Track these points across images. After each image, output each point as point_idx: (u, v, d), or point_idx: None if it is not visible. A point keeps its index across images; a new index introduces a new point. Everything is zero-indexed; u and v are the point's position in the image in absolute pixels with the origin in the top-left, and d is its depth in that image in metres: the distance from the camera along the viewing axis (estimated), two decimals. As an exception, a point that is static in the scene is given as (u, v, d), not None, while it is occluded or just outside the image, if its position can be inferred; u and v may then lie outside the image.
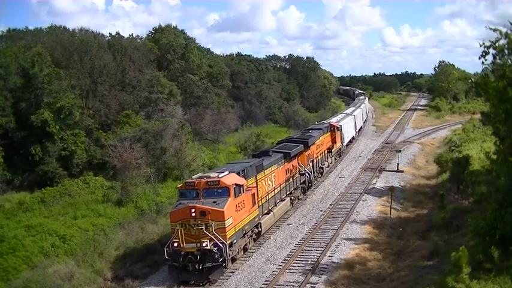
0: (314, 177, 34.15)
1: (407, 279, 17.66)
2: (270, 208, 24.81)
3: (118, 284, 20.64)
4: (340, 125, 45.56)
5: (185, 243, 18.43)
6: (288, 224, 26.17)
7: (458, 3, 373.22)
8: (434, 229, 22.98)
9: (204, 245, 18.30)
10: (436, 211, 25.28)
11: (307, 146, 31.74)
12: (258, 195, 22.59)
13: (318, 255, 20.94)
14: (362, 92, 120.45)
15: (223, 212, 18.53)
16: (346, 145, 49.34)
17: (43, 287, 19.74)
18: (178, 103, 46.62)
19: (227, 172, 20.46)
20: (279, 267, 20.05)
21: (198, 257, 18.35)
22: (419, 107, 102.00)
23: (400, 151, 42.64)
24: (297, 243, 22.91)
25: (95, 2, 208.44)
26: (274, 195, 25.47)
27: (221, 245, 18.30)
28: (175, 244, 18.57)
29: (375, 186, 33.70)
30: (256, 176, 22.96)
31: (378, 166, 40.27)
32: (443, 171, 33.92)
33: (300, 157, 30.89)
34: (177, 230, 18.41)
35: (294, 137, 34.92)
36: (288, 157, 27.88)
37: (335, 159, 43.01)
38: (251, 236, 22.36)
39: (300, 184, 30.93)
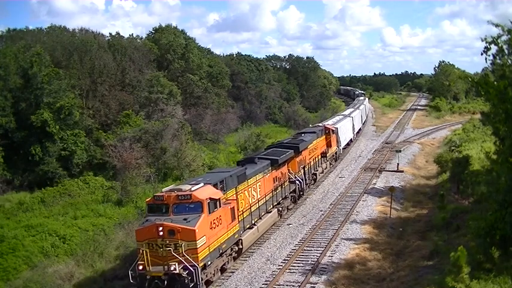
0: (306, 184, 31.87)
1: (407, 279, 17.65)
2: (253, 222, 22.39)
3: (118, 284, 20.62)
4: (336, 128, 43.49)
5: (151, 266, 16.33)
6: (288, 224, 26.15)
7: (458, 3, 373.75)
8: (434, 229, 22.98)
9: (172, 268, 16.19)
10: (436, 211, 25.29)
11: (298, 152, 29.55)
12: (238, 209, 20.47)
13: (318, 255, 20.93)
14: (362, 92, 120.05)
15: (194, 230, 16.33)
16: (343, 148, 47.31)
17: (43, 287, 19.76)
18: (178, 103, 46.66)
19: (202, 184, 18.32)
20: (279, 267, 20.03)
21: (166, 282, 16.28)
22: (419, 107, 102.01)
23: (400, 151, 42.61)
24: (297, 243, 22.89)
25: (94, 2, 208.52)
26: (259, 207, 23.11)
27: (192, 269, 16.17)
28: (141, 267, 16.50)
29: (375, 186, 33.68)
30: (236, 188, 20.74)
31: (378, 166, 40.25)
32: (443, 171, 33.92)
33: (291, 163, 28.82)
34: (142, 251, 16.32)
35: (284, 141, 32.49)
36: (275, 164, 25.57)
37: (330, 164, 40.48)
38: (230, 254, 20.06)
39: (290, 193, 28.49)
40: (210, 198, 17.59)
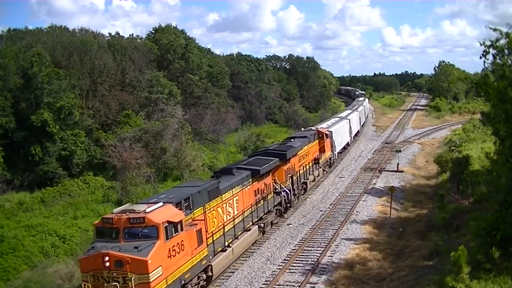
0: (295, 195, 29.07)
1: (407, 279, 17.65)
2: (227, 243, 19.50)
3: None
4: (331, 131, 40.78)
5: None
6: (288, 224, 26.15)
7: (458, 3, 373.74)
8: (434, 229, 22.98)
9: None
10: (436, 211, 25.29)
11: (285, 159, 26.90)
12: (208, 230, 17.99)
13: (318, 255, 20.92)
14: (363, 92, 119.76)
15: (146, 261, 13.77)
16: (339, 152, 44.77)
17: (43, 287, 19.76)
18: (178, 103, 46.70)
19: (161, 204, 15.68)
20: (279, 267, 20.03)
21: None
22: (419, 107, 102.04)
23: (400, 151, 42.60)
24: (297, 243, 22.88)
25: (94, 1, 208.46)
26: (235, 225, 20.35)
27: None
28: None
29: (375, 186, 33.67)
30: (204, 206, 18.03)
31: (378, 166, 40.24)
32: (443, 171, 33.91)
33: (277, 172, 26.32)
34: (85, 285, 13.92)
35: (270, 148, 29.19)
36: (257, 175, 22.95)
37: (324, 171, 37.54)
38: (197, 283, 17.13)
39: (275, 206, 25.59)
40: (168, 222, 14.87)
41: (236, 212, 20.83)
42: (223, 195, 19.64)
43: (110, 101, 43.49)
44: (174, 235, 15.14)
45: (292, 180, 28.31)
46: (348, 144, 50.31)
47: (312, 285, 18.05)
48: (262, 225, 23.56)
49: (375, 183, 34.36)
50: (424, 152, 48.16)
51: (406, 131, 64.69)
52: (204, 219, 17.68)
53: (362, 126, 65.88)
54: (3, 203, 31.27)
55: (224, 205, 19.73)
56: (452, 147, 39.57)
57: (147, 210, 14.94)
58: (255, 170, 22.88)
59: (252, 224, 22.21)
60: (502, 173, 16.12)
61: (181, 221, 15.62)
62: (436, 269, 17.37)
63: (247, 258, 21.30)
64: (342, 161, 44.07)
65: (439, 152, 42.23)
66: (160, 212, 15.07)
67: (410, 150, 48.19)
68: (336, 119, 51.78)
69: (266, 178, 24.46)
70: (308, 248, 22.10)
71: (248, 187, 22.23)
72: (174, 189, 19.13)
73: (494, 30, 16.22)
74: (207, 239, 17.51)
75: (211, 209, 18.59)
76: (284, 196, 26.55)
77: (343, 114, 57.20)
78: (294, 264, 20.22)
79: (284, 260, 20.86)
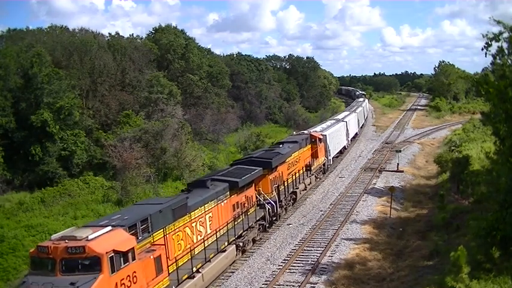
0: (282, 206, 26.60)
1: (407, 279, 17.66)
2: (196, 269, 16.87)
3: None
4: (325, 135, 38.32)
5: None
6: (288, 224, 26.16)
7: (458, 3, 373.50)
8: (434, 229, 22.99)
9: None
10: (436, 211, 25.29)
11: (270, 168, 24.60)
12: (171, 255, 15.56)
13: (318, 255, 20.94)
14: (363, 93, 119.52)
15: None
16: (335, 157, 42.88)
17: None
18: (178, 103, 46.70)
19: (109, 228, 13.17)
20: (279, 267, 20.04)
21: None
22: (419, 107, 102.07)
23: (400, 151, 42.63)
24: (297, 243, 22.90)
25: (94, 1, 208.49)
26: (206, 247, 17.65)
27: None
28: None
29: (375, 186, 33.69)
30: (166, 228, 15.38)
31: (378, 166, 40.26)
32: (443, 171, 33.92)
33: (261, 182, 24.16)
34: None
35: (255, 155, 26.35)
36: (235, 188, 20.52)
37: (316, 178, 35.07)
38: None
39: (257, 221, 23.02)
40: (115, 251, 12.49)
41: (209, 231, 18.42)
42: (192, 213, 17.20)
43: (110, 101, 43.50)
44: (122, 266, 12.75)
45: (278, 190, 25.80)
46: (344, 148, 48.08)
47: (312, 285, 18.06)
48: (241, 244, 20.92)
49: (375, 183, 34.37)
50: (424, 152, 48.18)
51: (406, 131, 64.72)
52: (165, 244, 15.18)
53: (361, 128, 64.22)
54: (3, 203, 31.27)
55: (194, 224, 17.31)
56: (452, 147, 39.58)
57: (90, 237, 12.45)
58: (233, 182, 20.34)
59: (229, 244, 19.61)
60: (502, 173, 16.12)
61: (132, 248, 13.15)
62: (436, 269, 17.38)
63: (247, 258, 21.31)
64: (342, 161, 44.08)
65: (439, 152, 42.25)
66: (106, 240, 12.60)
67: (410, 150, 48.22)
68: (332, 121, 49.49)
69: (248, 190, 22.08)
70: (308, 248, 22.11)
71: (225, 201, 19.85)
72: (133, 208, 16.75)
73: (498, 22, 16.18)
74: (168, 266, 15.11)
75: (177, 229, 16.12)
76: (269, 209, 24.15)
77: (339, 116, 54.92)
78: (294, 264, 20.23)
79: (284, 260, 20.87)
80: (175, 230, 15.99)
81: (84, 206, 30.26)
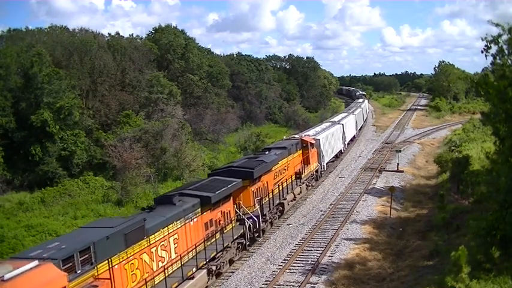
0: (266, 221, 24.07)
1: (407, 279, 17.65)
2: None
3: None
4: (318, 139, 35.73)
5: None
6: (288, 224, 26.16)
7: (458, 3, 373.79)
8: (434, 229, 22.98)
9: None
10: (436, 211, 25.28)
11: (252, 179, 22.16)
12: None
13: (318, 255, 20.93)
14: (363, 93, 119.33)
15: None
16: (330, 162, 40.69)
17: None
18: (178, 103, 46.73)
19: (35, 263, 10.42)
20: (279, 267, 20.03)
21: None
22: (419, 107, 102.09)
23: (400, 151, 42.60)
24: (297, 243, 22.89)
25: (94, 1, 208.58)
26: (167, 276, 15.07)
27: None
28: None
29: (375, 186, 33.68)
30: (110, 260, 12.84)
31: (378, 166, 40.24)
32: (443, 171, 33.92)
33: (242, 194, 21.70)
34: None
35: (235, 164, 23.53)
36: (208, 203, 17.98)
37: (307, 186, 32.41)
38: None
39: (236, 239, 20.37)
40: None
41: (174, 256, 15.83)
42: (152, 236, 14.73)
43: (110, 101, 43.53)
44: None
45: (261, 203, 23.14)
46: (340, 152, 45.65)
47: (312, 285, 18.06)
48: (214, 267, 18.30)
49: (375, 183, 34.36)
50: (424, 152, 48.18)
51: (406, 131, 64.72)
52: (110, 278, 12.78)
53: (360, 130, 62.23)
54: (3, 203, 31.29)
55: (154, 249, 14.82)
56: (452, 147, 39.59)
57: (6, 276, 9.74)
58: (205, 198, 17.81)
59: (199, 269, 16.93)
60: (502, 173, 16.10)
61: None
62: (436, 269, 17.37)
63: (247, 258, 21.31)
64: (341, 161, 44.08)
65: (439, 152, 42.25)
66: (26, 280, 9.96)
67: (410, 150, 48.22)
68: (328, 123, 46.70)
69: (224, 204, 19.54)
70: (308, 248, 22.10)
71: (195, 220, 17.32)
72: (77, 233, 13.92)
73: (497, 25, 16.18)
74: None
75: (131, 257, 13.69)
76: (250, 225, 21.66)
77: (335, 119, 51.69)
78: (294, 264, 20.23)
79: (284, 260, 20.86)
80: (128, 258, 13.58)
81: (84, 206, 30.28)
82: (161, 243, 15.26)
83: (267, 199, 24.26)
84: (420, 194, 31.65)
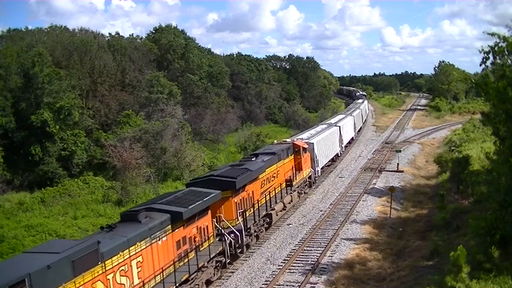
0: (251, 235, 22.09)
1: (407, 279, 17.66)
2: None
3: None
4: (312, 143, 33.60)
5: None
6: (288, 224, 26.16)
7: (458, 3, 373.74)
8: (434, 229, 22.98)
9: None
10: (436, 211, 25.28)
11: (235, 190, 20.22)
12: None
13: (318, 255, 20.93)
14: (364, 94, 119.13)
15: None
16: (326, 166, 38.77)
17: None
18: (178, 103, 46.72)
19: None
20: (279, 267, 20.03)
21: None
22: (419, 107, 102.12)
23: (400, 151, 42.60)
24: (297, 243, 22.89)
25: (93, 1, 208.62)
26: None
27: None
28: None
29: (375, 186, 33.69)
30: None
31: (378, 166, 40.25)
32: (443, 171, 33.92)
33: (224, 206, 19.92)
34: None
35: (216, 173, 21.43)
36: (180, 219, 15.88)
37: (299, 194, 30.44)
38: None
39: (213, 258, 18.16)
40: None
41: (137, 282, 13.92)
42: (108, 261, 12.83)
43: (110, 101, 43.54)
44: None
45: (244, 216, 21.03)
46: (337, 155, 43.50)
47: (312, 285, 18.06)
48: None
49: (375, 183, 34.37)
50: (424, 152, 48.18)
51: (406, 131, 64.74)
52: None
53: (358, 131, 60.68)
54: (3, 203, 31.29)
55: (111, 276, 12.93)
56: (452, 147, 39.60)
57: None
58: (175, 213, 15.69)
59: None
60: (502, 173, 16.11)
61: None
62: (436, 269, 17.38)
63: (247, 258, 21.31)
64: (341, 161, 44.08)
65: (439, 152, 42.28)
66: None
67: (410, 150, 48.23)
68: (323, 126, 44.71)
69: (200, 219, 17.48)
70: (308, 248, 22.10)
71: (164, 238, 15.28)
72: (15, 260, 11.91)
73: (492, 35, 16.22)
74: None
75: (81, 287, 11.85)
76: (231, 240, 19.66)
77: (332, 121, 49.73)
78: (294, 264, 20.23)
79: (284, 260, 20.86)
80: None
81: (84, 206, 30.27)
82: (120, 268, 13.29)
83: (252, 211, 22.15)
84: (420, 194, 31.65)
